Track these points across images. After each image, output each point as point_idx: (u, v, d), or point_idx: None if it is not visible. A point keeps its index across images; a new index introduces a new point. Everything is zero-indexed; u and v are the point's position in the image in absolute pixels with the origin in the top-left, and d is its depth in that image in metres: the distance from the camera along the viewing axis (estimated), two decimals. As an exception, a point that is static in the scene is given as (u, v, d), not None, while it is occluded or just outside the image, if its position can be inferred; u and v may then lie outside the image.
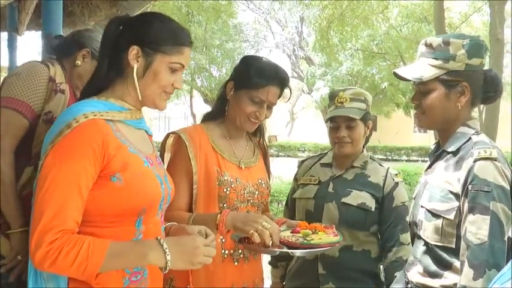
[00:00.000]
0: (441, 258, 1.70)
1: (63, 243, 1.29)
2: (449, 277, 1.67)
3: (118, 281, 1.41)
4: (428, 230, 1.72)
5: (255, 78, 1.96)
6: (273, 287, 2.55)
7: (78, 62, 2.11)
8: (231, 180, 1.97)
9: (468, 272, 1.54)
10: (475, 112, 1.86)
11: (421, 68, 1.77)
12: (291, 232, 1.87)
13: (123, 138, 1.44)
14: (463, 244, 1.59)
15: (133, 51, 1.46)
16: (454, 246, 1.66)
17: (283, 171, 9.41)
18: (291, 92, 2.11)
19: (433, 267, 1.71)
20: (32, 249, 1.29)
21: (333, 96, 2.33)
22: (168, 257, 1.35)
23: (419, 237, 1.80)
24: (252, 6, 25.89)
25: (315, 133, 26.68)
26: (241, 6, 24.76)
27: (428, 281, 1.73)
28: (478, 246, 1.54)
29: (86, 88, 1.56)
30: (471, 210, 1.58)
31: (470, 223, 1.57)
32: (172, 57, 1.49)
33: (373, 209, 2.21)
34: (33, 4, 4.25)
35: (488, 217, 1.55)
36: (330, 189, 2.29)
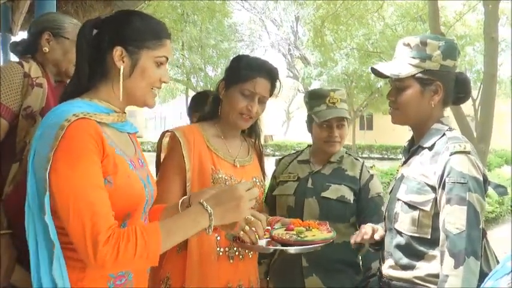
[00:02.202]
0: (415, 249, 1.76)
1: (117, 239, 1.28)
2: (421, 267, 1.74)
3: (103, 285, 1.39)
4: (404, 222, 1.78)
5: (243, 71, 1.99)
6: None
7: (46, 49, 2.11)
8: (226, 177, 1.99)
9: (449, 261, 1.61)
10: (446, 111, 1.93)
11: (399, 65, 1.84)
12: (285, 230, 1.89)
13: (109, 140, 1.41)
14: (442, 234, 1.65)
15: (118, 52, 1.43)
16: (429, 237, 1.73)
17: (279, 171, 9.42)
18: (281, 86, 2.13)
19: (405, 260, 1.78)
20: (90, 256, 1.26)
21: (322, 95, 2.36)
22: (212, 221, 1.39)
23: (393, 231, 1.85)
24: (247, 5, 25.93)
25: (311, 132, 26.71)
26: (236, 6, 24.80)
27: (400, 273, 1.79)
28: (456, 236, 1.61)
29: (66, 91, 1.51)
30: (448, 201, 1.65)
31: (448, 214, 1.64)
32: (156, 52, 1.48)
33: (351, 201, 2.27)
34: (26, 4, 4.24)
35: (465, 207, 1.63)
36: (309, 184, 2.35)
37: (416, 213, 1.75)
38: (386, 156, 22.86)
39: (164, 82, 1.53)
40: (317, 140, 2.39)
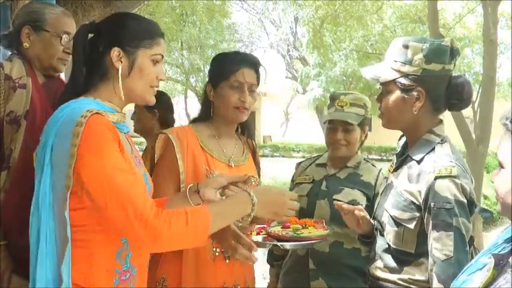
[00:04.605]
0: (401, 258, 1.76)
1: (168, 214, 1.36)
2: (408, 271, 1.74)
3: (109, 281, 1.42)
4: (390, 234, 1.78)
5: (227, 66, 2.03)
6: (270, 286, 2.64)
7: (26, 44, 2.00)
8: None
9: (438, 287, 1.60)
10: (443, 116, 1.88)
11: (382, 69, 1.80)
12: (282, 227, 1.91)
13: (120, 137, 1.46)
14: (430, 259, 1.65)
15: (115, 52, 1.49)
16: (413, 252, 1.72)
17: (278, 172, 9.42)
18: (266, 72, 2.15)
19: (393, 264, 1.78)
20: (139, 232, 1.33)
21: (334, 98, 2.40)
22: (253, 212, 1.55)
23: (382, 235, 1.84)
24: (246, 6, 25.88)
25: (310, 133, 26.69)
26: (235, 7, 24.75)
27: (387, 275, 1.80)
28: (444, 262, 1.60)
29: (64, 93, 1.54)
30: (435, 227, 1.63)
31: (435, 240, 1.63)
32: (152, 50, 1.53)
33: (363, 206, 2.23)
34: (26, 2, 4.22)
35: (452, 233, 1.61)
36: (323, 187, 2.36)
37: (400, 229, 1.73)
38: (385, 157, 22.83)
39: (161, 79, 1.57)
40: (326, 143, 2.40)
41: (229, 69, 2.03)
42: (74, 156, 1.32)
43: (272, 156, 21.96)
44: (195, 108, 20.76)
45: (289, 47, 26.11)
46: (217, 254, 1.98)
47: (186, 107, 24.29)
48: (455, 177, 1.65)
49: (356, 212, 1.93)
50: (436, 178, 1.66)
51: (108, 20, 1.59)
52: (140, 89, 1.54)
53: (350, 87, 19.96)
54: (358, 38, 17.44)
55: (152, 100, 1.59)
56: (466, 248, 1.63)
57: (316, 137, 25.60)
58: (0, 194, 1.87)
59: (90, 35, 1.55)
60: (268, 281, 2.69)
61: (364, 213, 1.95)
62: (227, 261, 2.00)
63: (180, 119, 30.69)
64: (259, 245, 1.87)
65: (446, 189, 1.64)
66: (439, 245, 1.62)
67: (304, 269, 2.31)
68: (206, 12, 17.67)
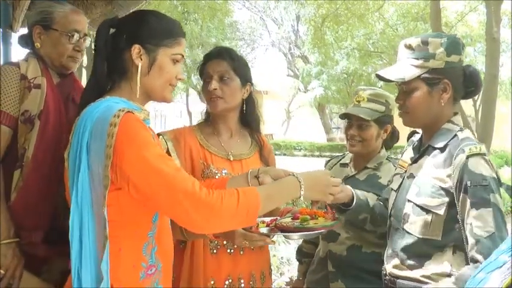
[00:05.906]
0: (424, 250, 1.75)
1: (219, 192, 1.39)
2: (429, 267, 1.74)
3: (135, 275, 1.43)
4: (415, 224, 1.77)
5: (200, 67, 2.15)
6: (294, 285, 2.68)
7: (37, 44, 2.00)
8: (216, 171, 2.04)
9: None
10: (456, 108, 1.92)
11: (403, 68, 1.83)
12: (292, 219, 1.91)
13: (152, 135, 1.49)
14: (470, 239, 1.63)
15: (136, 49, 1.49)
16: (440, 239, 1.72)
17: (279, 170, 9.41)
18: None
19: (413, 260, 1.78)
20: (191, 209, 1.36)
21: (354, 94, 2.38)
22: (302, 192, 1.59)
23: (400, 230, 1.84)
24: (247, 4, 25.91)
25: (311, 132, 26.70)
26: (237, 5, 24.79)
27: (406, 272, 1.79)
28: (487, 239, 1.59)
29: (86, 90, 1.55)
30: (473, 205, 1.63)
31: (476, 218, 1.62)
32: (173, 49, 1.54)
33: None
34: (27, 1, 4.22)
35: (491, 209, 1.61)
36: None
37: (429, 217, 1.73)
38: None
39: (180, 79, 1.58)
40: (345, 138, 2.40)
41: (201, 70, 2.13)
42: (110, 157, 1.33)
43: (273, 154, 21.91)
44: (196, 105, 20.77)
45: (290, 45, 26.15)
46: (219, 247, 2.00)
47: (187, 104, 24.30)
48: (484, 154, 1.68)
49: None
50: (468, 157, 1.67)
51: (131, 17, 1.58)
52: (159, 88, 1.54)
53: (351, 85, 19.97)
54: (360, 36, 17.45)
55: (170, 98, 1.60)
56: (505, 225, 1.62)
57: (318, 135, 25.61)
58: (14, 192, 1.88)
59: (112, 30, 1.55)
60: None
61: (338, 180, 1.88)
62: (230, 253, 2.01)
63: (182, 116, 30.69)
64: (262, 235, 1.89)
65: (481, 166, 1.65)
66: (481, 223, 1.60)
67: (325, 270, 2.32)
68: (208, 11, 17.69)
